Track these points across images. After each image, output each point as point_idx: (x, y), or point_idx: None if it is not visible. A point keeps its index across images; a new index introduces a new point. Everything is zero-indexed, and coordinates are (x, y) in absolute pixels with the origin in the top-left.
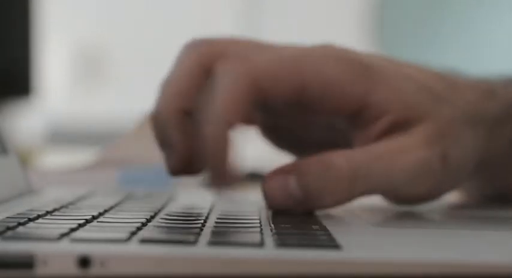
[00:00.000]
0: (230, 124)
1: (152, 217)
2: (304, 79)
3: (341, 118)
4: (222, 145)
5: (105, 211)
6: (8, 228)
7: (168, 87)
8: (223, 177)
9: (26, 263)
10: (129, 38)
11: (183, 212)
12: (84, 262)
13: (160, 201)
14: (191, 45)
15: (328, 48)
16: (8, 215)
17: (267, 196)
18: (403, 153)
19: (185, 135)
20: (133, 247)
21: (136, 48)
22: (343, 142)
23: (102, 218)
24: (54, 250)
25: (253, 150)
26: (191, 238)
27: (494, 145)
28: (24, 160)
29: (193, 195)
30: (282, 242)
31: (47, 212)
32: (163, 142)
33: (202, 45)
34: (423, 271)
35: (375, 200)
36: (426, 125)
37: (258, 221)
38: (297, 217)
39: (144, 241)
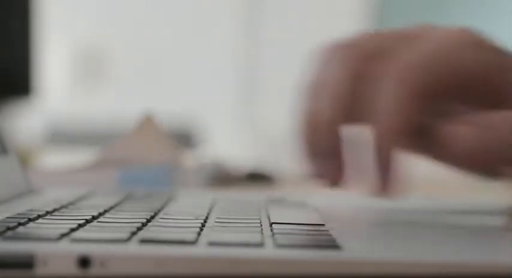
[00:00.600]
0: (401, 138)
1: (152, 217)
2: (466, 69)
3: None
4: (390, 157)
5: (105, 211)
6: (8, 228)
7: (324, 91)
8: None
9: (26, 263)
10: (129, 38)
11: (183, 212)
12: (84, 262)
13: (160, 201)
14: (338, 49)
15: (466, 34)
16: (8, 215)
17: (450, 136)
18: None
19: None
20: (133, 247)
21: (136, 48)
22: None
23: (102, 218)
24: (54, 250)
25: (253, 149)
26: (191, 238)
27: None
28: (24, 160)
29: (193, 195)
30: (282, 242)
31: (47, 213)
32: (315, 149)
33: (351, 49)
34: (423, 271)
35: (375, 200)
36: None
37: (258, 221)
38: (297, 216)
39: (144, 241)
